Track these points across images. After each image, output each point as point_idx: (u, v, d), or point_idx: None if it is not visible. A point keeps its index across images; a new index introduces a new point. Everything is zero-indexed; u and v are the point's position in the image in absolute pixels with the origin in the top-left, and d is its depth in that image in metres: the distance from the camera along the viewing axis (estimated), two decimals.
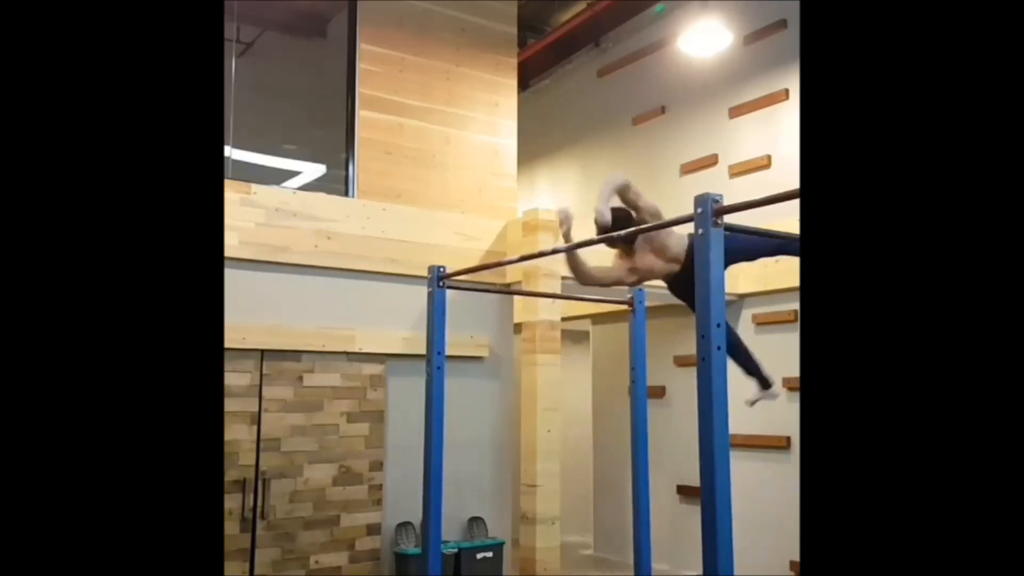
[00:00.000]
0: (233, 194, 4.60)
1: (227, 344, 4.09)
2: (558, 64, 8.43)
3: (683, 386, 6.62)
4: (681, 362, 6.69)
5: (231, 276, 4.20)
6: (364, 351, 4.95)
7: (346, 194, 5.28)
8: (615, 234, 3.33)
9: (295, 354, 4.74)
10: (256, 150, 5.58)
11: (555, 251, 3.54)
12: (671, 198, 7.02)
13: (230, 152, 5.08)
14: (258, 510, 4.53)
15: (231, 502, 4.43)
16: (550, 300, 5.14)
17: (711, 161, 6.87)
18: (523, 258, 3.98)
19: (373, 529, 4.90)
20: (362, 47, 5.42)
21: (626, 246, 3.50)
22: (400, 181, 5.41)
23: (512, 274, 5.43)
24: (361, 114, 5.36)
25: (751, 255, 3.68)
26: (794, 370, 5.70)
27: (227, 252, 4.24)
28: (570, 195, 8.45)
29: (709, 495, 2.39)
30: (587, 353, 7.90)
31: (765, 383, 4.10)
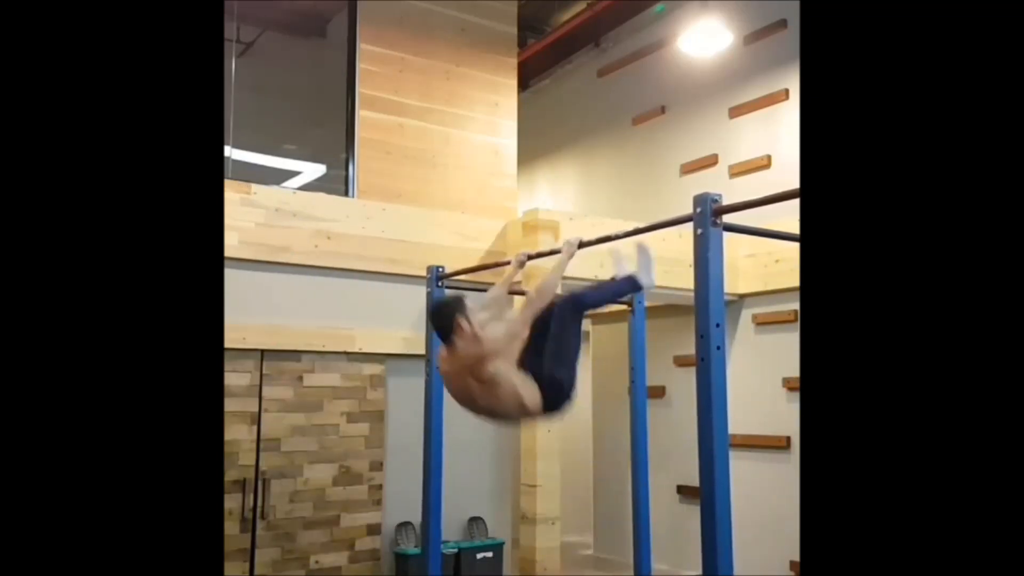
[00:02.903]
0: (233, 194, 4.60)
1: (227, 344, 4.09)
2: (558, 64, 8.43)
3: (683, 386, 6.62)
4: (681, 362, 6.69)
5: (231, 276, 4.19)
6: (364, 351, 4.95)
7: (346, 194, 5.28)
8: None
9: (295, 354, 4.74)
10: (256, 150, 5.58)
11: (553, 252, 3.54)
12: (671, 198, 7.04)
13: (230, 152, 5.08)
14: (258, 510, 4.53)
15: (231, 502, 4.42)
16: None
17: (711, 161, 6.87)
18: None
19: (373, 529, 4.90)
20: (362, 47, 5.42)
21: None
22: (400, 181, 5.41)
23: None
24: (361, 114, 5.36)
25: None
26: (794, 370, 5.71)
27: (227, 252, 4.24)
28: (570, 195, 8.46)
29: (709, 495, 2.39)
30: (587, 353, 7.89)
31: (634, 286, 3.53)
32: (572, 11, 7.73)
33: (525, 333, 3.06)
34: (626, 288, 3.55)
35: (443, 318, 2.95)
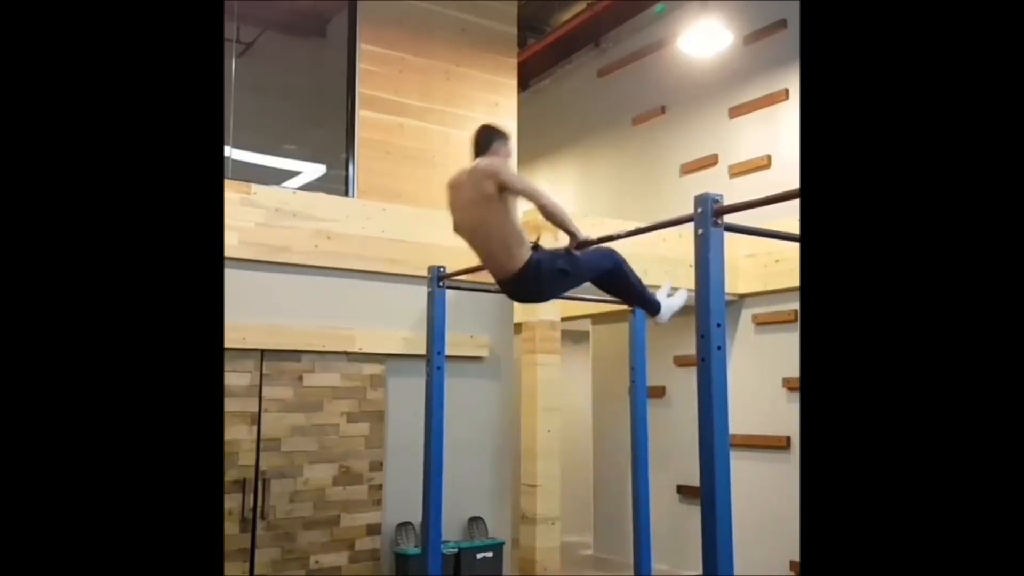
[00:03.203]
0: (233, 194, 4.60)
1: (227, 344, 4.09)
2: (558, 64, 8.43)
3: (683, 386, 6.62)
4: (681, 362, 6.69)
5: (231, 276, 4.19)
6: (364, 351, 4.95)
7: (346, 194, 5.28)
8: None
9: (295, 354, 4.74)
10: (256, 150, 5.57)
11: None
12: (671, 198, 7.04)
13: (230, 152, 5.07)
14: (258, 510, 4.53)
15: (231, 502, 4.42)
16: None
17: (711, 161, 6.87)
18: None
19: (373, 529, 4.90)
20: (362, 47, 5.42)
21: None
22: (400, 181, 5.41)
23: None
24: (361, 114, 5.35)
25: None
26: (794, 370, 5.71)
27: (227, 252, 4.23)
28: (570, 195, 8.46)
29: (709, 495, 2.39)
30: (587, 353, 7.90)
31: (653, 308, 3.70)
32: (572, 11, 7.73)
33: (523, 193, 3.30)
34: (648, 302, 3.68)
35: (487, 135, 3.46)
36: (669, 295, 3.76)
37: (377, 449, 4.97)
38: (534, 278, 3.28)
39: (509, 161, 3.44)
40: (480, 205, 3.28)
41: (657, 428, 5.63)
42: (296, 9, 5.92)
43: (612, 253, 3.45)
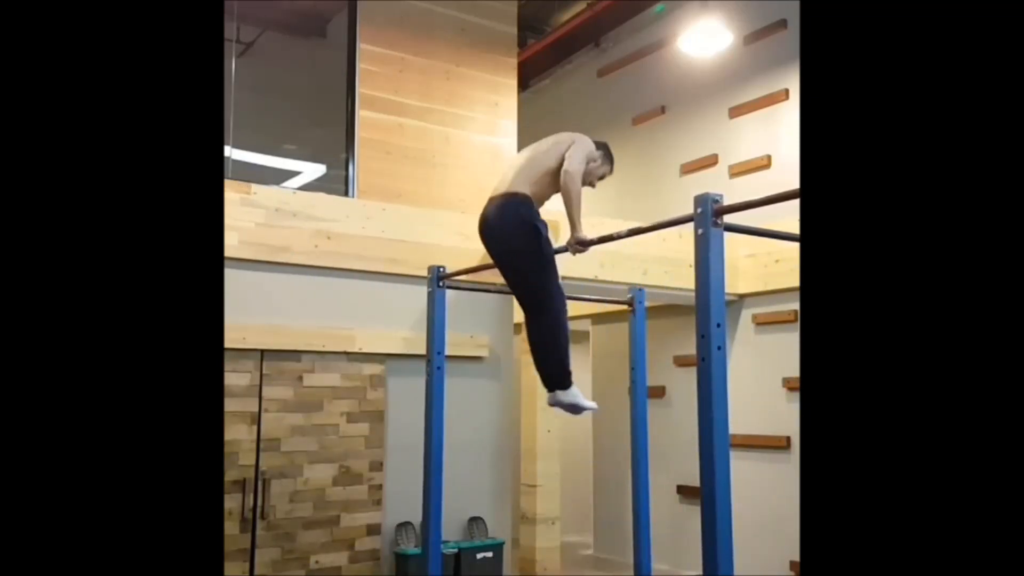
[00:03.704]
0: (233, 194, 4.60)
1: (227, 344, 4.09)
2: (558, 64, 8.43)
3: (683, 386, 6.62)
4: (681, 362, 6.69)
5: (231, 276, 4.19)
6: (364, 351, 4.95)
7: (346, 194, 5.28)
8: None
9: (295, 354, 4.74)
10: (256, 150, 5.57)
11: (558, 251, 3.55)
12: (671, 198, 7.04)
13: (230, 152, 5.07)
14: (258, 510, 4.53)
15: (231, 502, 4.42)
16: None
17: (711, 161, 6.87)
18: None
19: (373, 529, 4.90)
20: (362, 47, 5.42)
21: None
22: (400, 181, 5.41)
23: None
24: (361, 114, 5.35)
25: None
26: (794, 370, 5.71)
27: (227, 252, 4.24)
28: None
29: (709, 495, 2.39)
30: (587, 353, 7.89)
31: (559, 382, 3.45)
32: (572, 11, 7.73)
33: (569, 161, 3.57)
34: (562, 372, 3.43)
35: (599, 143, 3.98)
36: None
37: (377, 449, 4.97)
38: (513, 210, 3.44)
39: (590, 171, 3.72)
40: (544, 145, 3.67)
41: (657, 428, 5.64)
42: (296, 9, 5.92)
43: (566, 305, 3.48)
